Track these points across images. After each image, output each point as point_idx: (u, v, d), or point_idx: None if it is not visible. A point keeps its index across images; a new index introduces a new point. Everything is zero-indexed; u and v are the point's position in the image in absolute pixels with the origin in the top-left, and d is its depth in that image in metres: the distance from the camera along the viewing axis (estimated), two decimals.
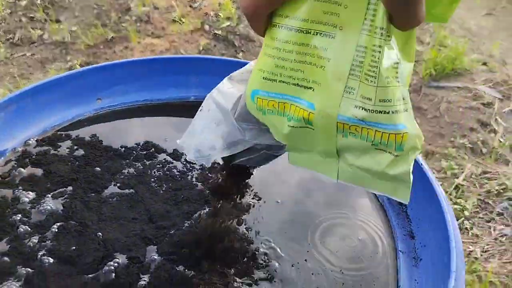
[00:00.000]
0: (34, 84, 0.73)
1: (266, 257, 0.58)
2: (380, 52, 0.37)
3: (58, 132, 0.73)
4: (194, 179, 0.67)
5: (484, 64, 2.06)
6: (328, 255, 0.59)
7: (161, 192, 0.65)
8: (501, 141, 1.78)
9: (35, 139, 0.72)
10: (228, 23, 2.18)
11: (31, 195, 0.62)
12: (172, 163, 0.70)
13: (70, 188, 0.64)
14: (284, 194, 0.67)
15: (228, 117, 0.48)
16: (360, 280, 0.57)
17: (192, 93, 0.81)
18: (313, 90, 0.40)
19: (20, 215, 0.59)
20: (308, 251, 0.59)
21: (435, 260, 0.56)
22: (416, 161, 0.65)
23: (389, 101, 0.38)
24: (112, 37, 2.11)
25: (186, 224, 0.60)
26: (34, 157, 0.68)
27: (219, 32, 2.14)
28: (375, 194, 0.68)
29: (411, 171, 0.40)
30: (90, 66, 0.77)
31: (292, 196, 0.67)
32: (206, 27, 2.18)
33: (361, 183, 0.43)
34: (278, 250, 0.59)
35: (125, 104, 0.80)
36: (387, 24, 0.37)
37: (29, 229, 0.58)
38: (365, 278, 0.57)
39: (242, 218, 0.62)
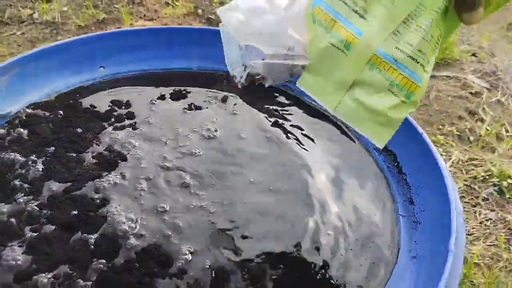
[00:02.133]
0: (37, 48, 0.72)
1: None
2: (437, 13, 0.44)
3: (58, 98, 0.73)
4: None
5: (474, 55, 2.10)
6: (333, 219, 0.60)
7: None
8: (488, 130, 1.82)
9: (34, 104, 0.72)
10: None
11: (18, 156, 0.62)
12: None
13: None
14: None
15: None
16: (362, 242, 0.59)
17: (195, 64, 0.82)
18: (367, 20, 0.45)
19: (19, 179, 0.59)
20: (313, 216, 0.60)
21: (434, 223, 0.58)
22: (416, 131, 0.67)
23: (423, 54, 0.45)
24: (104, 18, 2.09)
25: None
26: (28, 121, 0.68)
27: (212, 16, 2.14)
28: (378, 165, 0.70)
29: (403, 119, 0.47)
30: (94, 33, 0.77)
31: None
32: (199, 11, 2.17)
33: (353, 119, 0.48)
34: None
35: (129, 72, 0.80)
36: (450, 5, 0.44)
37: (25, 193, 0.57)
38: (367, 240, 0.59)
39: None
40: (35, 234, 0.52)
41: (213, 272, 0.51)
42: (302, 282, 0.53)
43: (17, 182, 0.58)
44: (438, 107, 1.90)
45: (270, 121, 0.75)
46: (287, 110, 0.78)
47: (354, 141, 0.75)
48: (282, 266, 0.53)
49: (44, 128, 0.66)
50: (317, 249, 0.56)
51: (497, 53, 2.14)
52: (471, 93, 1.96)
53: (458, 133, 1.81)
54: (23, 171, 0.60)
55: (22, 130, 0.65)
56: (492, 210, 1.60)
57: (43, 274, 0.48)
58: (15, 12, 2.12)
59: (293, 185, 0.64)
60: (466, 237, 1.51)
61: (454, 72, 2.02)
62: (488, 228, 1.55)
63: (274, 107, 0.78)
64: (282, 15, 0.48)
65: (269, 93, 0.81)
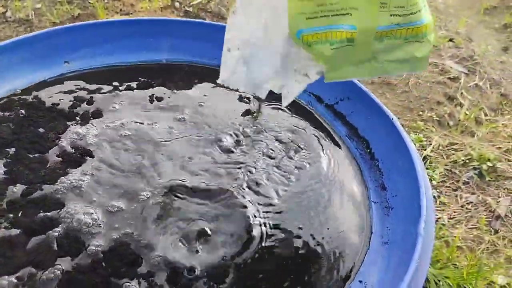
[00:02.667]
0: None
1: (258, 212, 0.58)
2: None
3: (19, 96, 0.71)
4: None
5: (451, 40, 2.12)
6: (304, 206, 0.60)
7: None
8: (466, 114, 1.84)
9: None
10: (199, 0, 2.15)
11: None
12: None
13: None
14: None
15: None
16: (334, 229, 0.58)
17: (164, 56, 0.80)
18: (351, 15, 0.49)
19: None
20: (284, 202, 0.60)
21: (406, 207, 0.58)
22: (387, 117, 0.67)
23: (416, 4, 0.49)
24: (79, 14, 2.05)
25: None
26: None
27: (190, 9, 2.11)
28: (349, 150, 0.70)
29: (431, 49, 0.53)
30: (57, 27, 0.75)
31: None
32: (177, 4, 2.14)
33: (389, 71, 0.54)
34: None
35: (93, 67, 0.78)
36: None
37: None
38: (339, 227, 0.59)
39: None
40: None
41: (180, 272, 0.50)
42: (277, 270, 0.53)
43: None
44: (418, 93, 1.91)
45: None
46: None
47: (327, 128, 0.75)
48: (250, 256, 0.53)
49: (4, 129, 0.64)
50: (288, 236, 0.56)
51: (474, 38, 2.16)
52: (449, 78, 1.97)
53: (438, 118, 1.83)
54: None
55: None
56: (472, 193, 1.61)
57: (6, 277, 0.47)
58: None
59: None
60: (448, 221, 1.53)
61: (432, 58, 2.02)
62: (470, 211, 1.56)
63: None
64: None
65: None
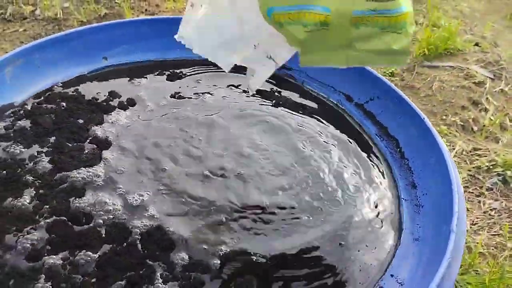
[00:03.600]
0: (41, 39, 0.73)
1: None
2: None
3: (63, 89, 0.74)
4: None
5: (476, 44, 2.09)
6: (336, 204, 0.61)
7: None
8: (491, 119, 1.81)
9: (37, 94, 0.72)
10: None
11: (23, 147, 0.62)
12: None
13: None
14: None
15: None
16: (366, 225, 0.59)
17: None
18: None
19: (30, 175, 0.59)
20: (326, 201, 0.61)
21: (436, 205, 0.58)
22: (418, 116, 0.67)
23: None
24: (105, 13, 2.09)
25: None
26: (32, 111, 0.68)
27: None
28: (379, 149, 0.70)
29: (409, 42, 0.51)
30: (95, 24, 0.77)
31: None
32: None
33: (366, 62, 0.52)
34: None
35: (131, 63, 0.80)
36: None
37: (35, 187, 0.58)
38: (370, 224, 0.59)
39: None
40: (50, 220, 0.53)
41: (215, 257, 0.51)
42: (310, 263, 0.54)
43: (29, 177, 0.58)
44: (441, 97, 1.89)
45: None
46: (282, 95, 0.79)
47: (356, 128, 0.75)
48: (283, 249, 0.54)
49: (46, 119, 0.66)
50: (323, 232, 0.57)
51: (500, 43, 2.13)
52: (474, 83, 1.95)
53: (462, 123, 1.81)
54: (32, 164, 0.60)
55: (25, 121, 0.66)
56: (496, 200, 1.59)
57: (54, 256, 0.49)
58: (17, 9, 2.13)
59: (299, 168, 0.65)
60: (471, 227, 1.51)
61: (457, 62, 2.01)
62: (493, 218, 1.54)
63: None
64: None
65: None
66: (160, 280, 0.48)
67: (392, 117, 0.73)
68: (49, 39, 0.74)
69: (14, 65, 0.70)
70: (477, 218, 1.54)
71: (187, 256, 0.52)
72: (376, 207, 0.61)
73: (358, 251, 0.55)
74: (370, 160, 0.69)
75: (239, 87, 0.80)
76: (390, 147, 0.71)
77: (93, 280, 0.48)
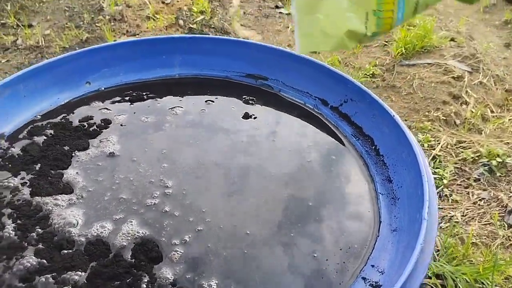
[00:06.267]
0: (24, 70, 0.75)
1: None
2: None
3: (48, 117, 0.76)
4: None
5: (452, 40, 2.14)
6: (315, 201, 0.63)
7: None
8: (473, 111, 1.85)
9: (27, 124, 0.74)
10: (202, 17, 2.20)
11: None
12: None
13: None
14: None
15: None
16: (345, 220, 0.61)
17: (176, 72, 0.85)
18: None
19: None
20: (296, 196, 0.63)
21: (411, 197, 0.61)
22: (389, 114, 0.70)
23: None
24: (87, 37, 2.12)
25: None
26: (22, 142, 0.71)
27: (194, 26, 2.17)
28: (356, 148, 0.73)
29: None
30: (77, 50, 0.80)
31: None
32: (181, 22, 2.20)
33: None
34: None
35: (113, 86, 0.82)
36: None
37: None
38: (349, 218, 0.61)
39: None
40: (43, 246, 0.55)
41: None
42: (292, 258, 0.56)
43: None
44: (422, 94, 1.93)
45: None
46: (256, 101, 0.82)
47: (333, 130, 0.78)
48: (268, 245, 0.56)
49: (34, 147, 0.68)
50: (303, 228, 0.59)
51: (476, 36, 2.18)
52: (453, 77, 1.99)
53: (444, 118, 1.84)
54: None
55: (14, 150, 0.68)
56: (484, 190, 1.62)
57: (46, 275, 0.51)
58: None
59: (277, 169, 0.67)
60: (462, 218, 1.54)
61: (435, 59, 2.05)
62: (482, 208, 1.57)
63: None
64: None
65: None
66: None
67: (366, 117, 0.76)
68: (32, 68, 0.76)
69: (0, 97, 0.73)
70: (467, 209, 1.56)
71: (172, 266, 0.54)
72: (354, 203, 0.64)
73: (339, 246, 0.58)
74: (347, 159, 0.72)
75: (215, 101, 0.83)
76: (365, 145, 0.74)
77: None
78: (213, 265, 0.53)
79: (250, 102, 0.82)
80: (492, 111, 1.88)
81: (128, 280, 0.51)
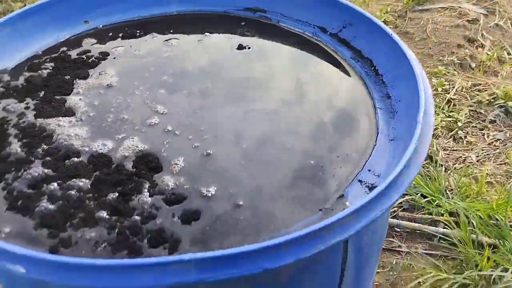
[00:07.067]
0: (25, 7, 0.78)
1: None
2: None
3: (48, 52, 0.79)
4: None
5: None
6: (318, 117, 0.65)
7: None
8: (488, 54, 1.80)
9: (28, 59, 0.77)
10: None
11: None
12: None
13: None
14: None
15: None
16: (345, 134, 0.63)
17: (174, 8, 0.87)
18: None
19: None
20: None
21: (409, 108, 0.61)
22: (386, 34, 0.70)
23: None
24: None
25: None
26: (25, 75, 0.74)
27: None
28: (355, 69, 0.74)
29: None
30: None
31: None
32: None
33: None
34: None
35: (111, 24, 0.84)
36: None
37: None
38: (348, 131, 0.63)
39: None
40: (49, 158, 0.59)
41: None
42: (289, 164, 0.58)
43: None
44: (436, 39, 1.88)
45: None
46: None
47: (333, 54, 0.78)
48: (265, 154, 0.59)
49: (36, 78, 0.72)
50: (306, 138, 0.62)
51: None
52: (468, 20, 1.93)
53: (459, 61, 1.80)
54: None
55: (18, 81, 0.72)
56: (500, 131, 1.59)
57: (52, 183, 0.55)
58: (6, 7, 2.17)
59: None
60: (476, 158, 1.52)
61: (448, 3, 1.99)
62: (498, 148, 1.55)
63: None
64: None
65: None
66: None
67: (365, 40, 0.75)
68: (31, 7, 0.78)
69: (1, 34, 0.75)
70: (482, 150, 1.54)
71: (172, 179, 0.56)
72: (353, 118, 0.65)
73: (337, 154, 0.59)
74: (347, 80, 0.72)
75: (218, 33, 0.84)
76: (365, 67, 0.74)
77: (89, 195, 0.53)
78: (212, 174, 0.56)
79: (246, 34, 0.83)
80: (508, 53, 1.83)
81: (130, 186, 0.54)
